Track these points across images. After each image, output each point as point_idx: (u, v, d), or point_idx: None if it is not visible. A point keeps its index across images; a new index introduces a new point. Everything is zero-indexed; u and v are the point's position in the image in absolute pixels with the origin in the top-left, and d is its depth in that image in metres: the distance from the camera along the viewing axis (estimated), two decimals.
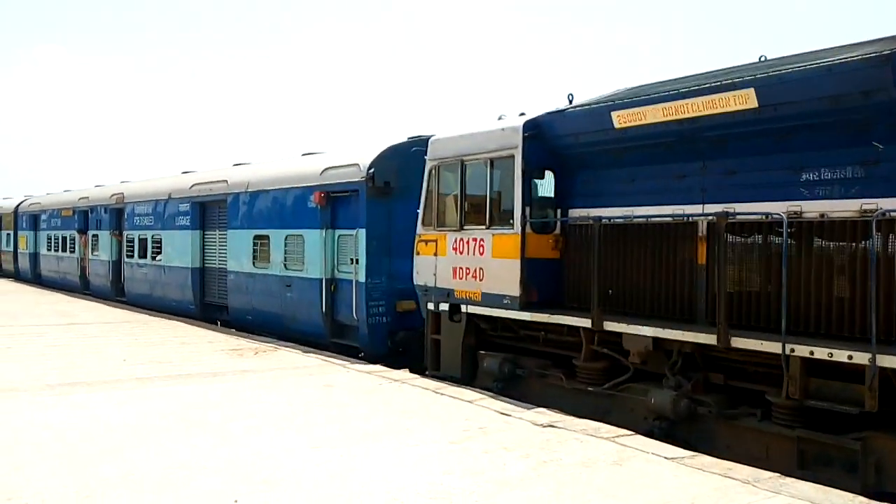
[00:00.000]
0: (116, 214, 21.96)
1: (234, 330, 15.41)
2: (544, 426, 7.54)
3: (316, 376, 10.23)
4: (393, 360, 12.07)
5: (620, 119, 8.34)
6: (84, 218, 24.34)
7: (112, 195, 22.22)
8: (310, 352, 12.41)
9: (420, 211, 11.11)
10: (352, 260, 12.64)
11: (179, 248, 17.97)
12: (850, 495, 5.57)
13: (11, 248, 32.37)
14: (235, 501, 5.29)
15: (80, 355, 11.73)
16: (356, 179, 12.35)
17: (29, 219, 30.11)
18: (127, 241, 21.06)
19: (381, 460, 6.29)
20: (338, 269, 13.08)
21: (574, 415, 8.13)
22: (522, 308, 9.20)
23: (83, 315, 17.88)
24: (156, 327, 15.64)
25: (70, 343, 13.11)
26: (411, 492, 5.52)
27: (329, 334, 13.10)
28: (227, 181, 16.20)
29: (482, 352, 10.16)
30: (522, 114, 10.72)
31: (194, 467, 6.05)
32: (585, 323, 8.44)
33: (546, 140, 9.39)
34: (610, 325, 8.25)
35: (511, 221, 9.41)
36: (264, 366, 11.04)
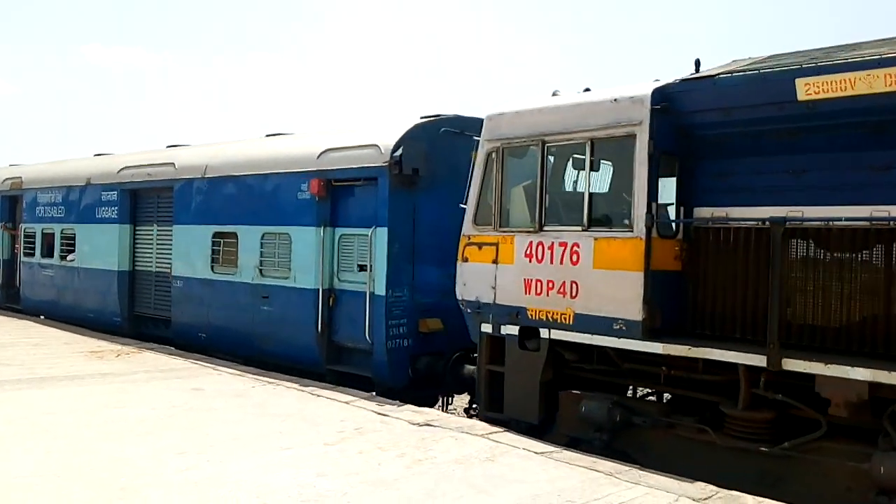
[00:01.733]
0: (10, 203, 17.98)
1: (165, 346, 12.57)
2: (421, 425, 7.56)
3: (183, 379, 9.77)
4: (413, 393, 9.59)
5: (810, 88, 6.24)
6: None
7: (5, 180, 18.19)
8: (177, 354, 11.67)
9: (470, 206, 8.67)
10: (360, 266, 10.00)
11: (101, 247, 14.49)
12: (703, 484, 5.85)
13: None
14: None
15: None
16: (374, 164, 9.67)
17: None
18: (25, 237, 17.15)
19: (251, 465, 6.10)
20: (338, 278, 10.38)
21: (729, 487, 5.96)
22: (646, 336, 6.96)
23: None
24: (8, 328, 14.53)
25: None
26: (282, 495, 5.39)
27: (325, 360, 10.37)
28: (174, 164, 12.99)
29: (574, 391, 7.83)
30: (587, 89, 8.53)
31: (46, 476, 5.70)
32: (758, 360, 6.30)
33: (674, 116, 7.20)
34: (795, 364, 6.14)
35: (627, 221, 7.17)
36: (127, 369, 10.42)
